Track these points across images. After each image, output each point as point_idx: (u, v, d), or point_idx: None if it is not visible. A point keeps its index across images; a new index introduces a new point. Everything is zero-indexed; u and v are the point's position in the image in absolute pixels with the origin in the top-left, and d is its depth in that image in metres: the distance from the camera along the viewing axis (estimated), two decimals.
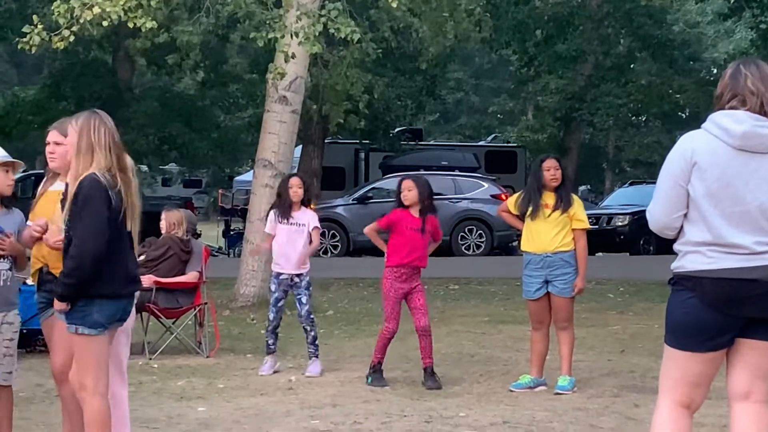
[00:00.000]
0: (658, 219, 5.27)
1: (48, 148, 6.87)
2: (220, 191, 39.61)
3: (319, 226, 11.13)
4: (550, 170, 9.85)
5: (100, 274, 6.09)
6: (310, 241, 11.01)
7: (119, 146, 6.27)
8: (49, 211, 6.65)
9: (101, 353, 6.24)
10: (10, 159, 7.07)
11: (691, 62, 42.45)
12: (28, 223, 6.81)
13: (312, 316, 10.94)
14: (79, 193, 6.08)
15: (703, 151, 5.11)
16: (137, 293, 6.60)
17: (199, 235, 14.69)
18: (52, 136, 6.86)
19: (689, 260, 5.14)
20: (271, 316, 11.01)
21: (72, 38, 14.85)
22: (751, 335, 5.19)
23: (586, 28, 33.64)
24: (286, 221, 10.92)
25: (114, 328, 6.36)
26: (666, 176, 5.21)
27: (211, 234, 33.62)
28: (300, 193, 10.97)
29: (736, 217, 5.09)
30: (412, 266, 10.21)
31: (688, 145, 5.17)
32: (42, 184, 7.01)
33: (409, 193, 10.21)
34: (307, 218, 11.02)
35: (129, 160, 6.34)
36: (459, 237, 28.22)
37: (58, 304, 6.22)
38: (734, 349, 5.24)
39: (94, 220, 6.05)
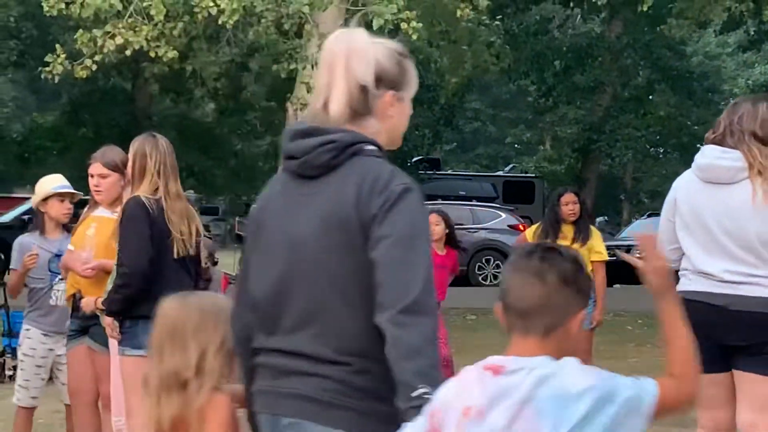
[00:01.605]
0: None
1: (92, 181, 6.81)
2: (237, 219, 39.64)
3: None
4: (569, 205, 9.83)
5: (144, 296, 6.10)
6: None
7: (170, 172, 6.27)
8: (83, 239, 6.69)
9: None
10: (66, 190, 7.27)
11: (710, 94, 42.42)
12: (69, 247, 6.83)
13: None
14: (124, 215, 6.13)
15: (681, 186, 5.52)
16: None
17: (216, 263, 14.68)
18: (96, 168, 6.79)
19: (679, 283, 5.41)
20: None
21: (94, 67, 14.97)
22: (736, 365, 5.35)
23: (605, 59, 33.65)
24: None
25: None
26: (662, 213, 5.65)
27: (228, 261, 33.55)
28: None
29: (710, 246, 5.34)
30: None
31: (675, 183, 5.59)
32: (86, 209, 7.05)
33: (436, 227, 10.07)
34: None
35: (177, 188, 6.33)
36: (476, 267, 28.18)
37: (109, 331, 6.25)
38: (735, 380, 5.38)
39: (137, 238, 6.07)
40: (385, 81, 3.32)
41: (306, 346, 3.17)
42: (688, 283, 5.38)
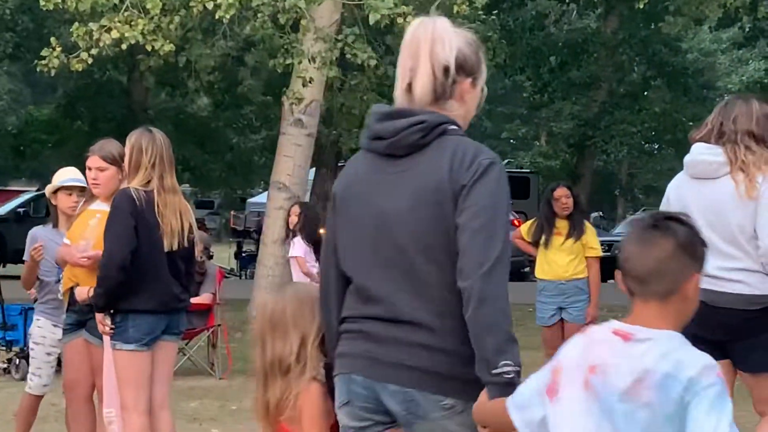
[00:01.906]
0: None
1: (90, 174, 6.81)
2: (232, 213, 39.65)
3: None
4: (561, 199, 9.90)
5: (132, 289, 6.11)
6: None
7: (166, 166, 6.29)
8: (83, 230, 6.72)
9: (140, 370, 6.25)
10: (72, 183, 7.30)
11: (705, 90, 42.42)
12: (65, 240, 6.86)
13: None
14: (111, 206, 6.17)
15: (673, 185, 5.67)
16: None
17: (211, 257, 14.72)
18: (94, 161, 6.78)
19: None
20: None
21: (90, 60, 14.97)
22: (733, 363, 5.50)
23: (600, 55, 33.65)
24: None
25: (168, 340, 6.41)
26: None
27: (223, 255, 33.62)
28: (296, 220, 11.14)
29: None
30: None
31: (670, 182, 5.75)
32: (82, 203, 7.08)
33: None
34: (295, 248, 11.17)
35: (172, 181, 6.35)
36: None
37: (100, 326, 6.28)
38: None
39: (119, 229, 6.10)
40: (465, 68, 3.57)
41: (406, 313, 3.41)
42: None
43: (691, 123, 37.00)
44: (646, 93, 38.19)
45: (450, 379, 3.40)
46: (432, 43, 3.52)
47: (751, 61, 45.80)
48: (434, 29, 3.55)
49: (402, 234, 3.45)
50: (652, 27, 33.08)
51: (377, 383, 3.46)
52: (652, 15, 30.08)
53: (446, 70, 3.51)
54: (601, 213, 57.21)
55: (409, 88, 3.54)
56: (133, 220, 6.10)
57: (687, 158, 5.60)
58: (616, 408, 2.99)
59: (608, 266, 21.40)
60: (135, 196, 6.12)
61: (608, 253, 28.54)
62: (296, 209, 11.37)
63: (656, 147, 49.17)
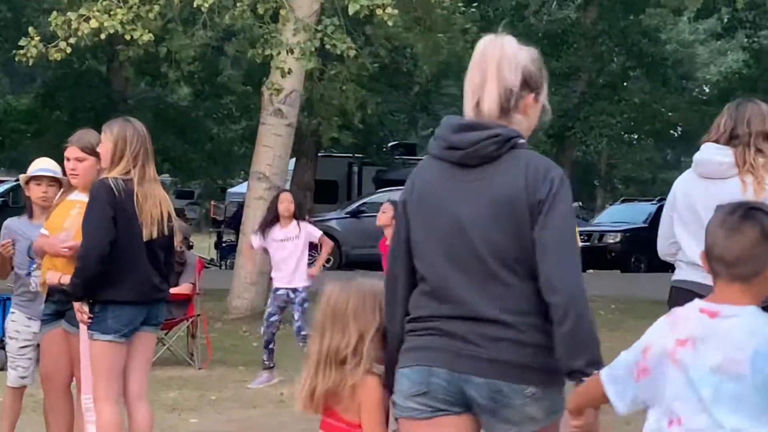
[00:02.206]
0: (658, 246, 5.93)
1: (68, 165, 6.78)
2: (212, 203, 39.58)
3: (322, 235, 11.28)
4: None
5: (111, 279, 6.11)
6: (312, 255, 11.14)
7: (148, 156, 6.29)
8: (62, 220, 6.70)
9: (115, 361, 6.24)
10: (41, 173, 7.28)
11: (684, 81, 42.54)
12: (42, 231, 6.84)
13: (303, 333, 10.87)
14: (89, 197, 6.16)
15: (680, 182, 5.78)
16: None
17: (191, 247, 14.71)
18: (72, 152, 6.75)
19: (674, 272, 5.75)
20: (262, 330, 11.07)
21: (69, 50, 14.92)
22: None
23: (580, 46, 33.70)
24: (278, 236, 10.98)
25: (147, 331, 6.41)
26: (664, 209, 5.91)
27: (203, 245, 33.59)
28: (291, 207, 11.04)
29: (701, 237, 5.47)
30: None
31: (676, 180, 5.87)
32: (60, 193, 7.05)
33: (383, 215, 10.38)
34: (302, 231, 11.08)
35: (152, 171, 6.35)
36: None
37: (78, 315, 6.28)
38: None
39: (97, 219, 6.09)
40: (529, 84, 3.90)
41: (488, 312, 3.70)
42: (681, 273, 5.69)
43: (670, 114, 37.17)
44: (625, 84, 38.27)
45: (531, 369, 3.69)
46: (499, 61, 3.83)
47: (729, 52, 45.98)
48: (502, 47, 3.88)
49: (479, 240, 3.73)
50: (632, 18, 33.15)
51: (461, 376, 3.73)
52: (632, 6, 30.16)
53: (512, 86, 3.83)
54: (580, 203, 57.34)
55: (478, 103, 3.83)
56: (111, 211, 6.09)
57: (697, 156, 5.71)
58: (704, 380, 3.25)
59: (588, 256, 21.40)
60: (113, 186, 6.11)
61: (587, 243, 28.71)
62: (290, 196, 11.29)
63: (635, 137, 49.28)
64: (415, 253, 3.87)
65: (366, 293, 4.25)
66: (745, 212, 3.37)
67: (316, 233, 11.19)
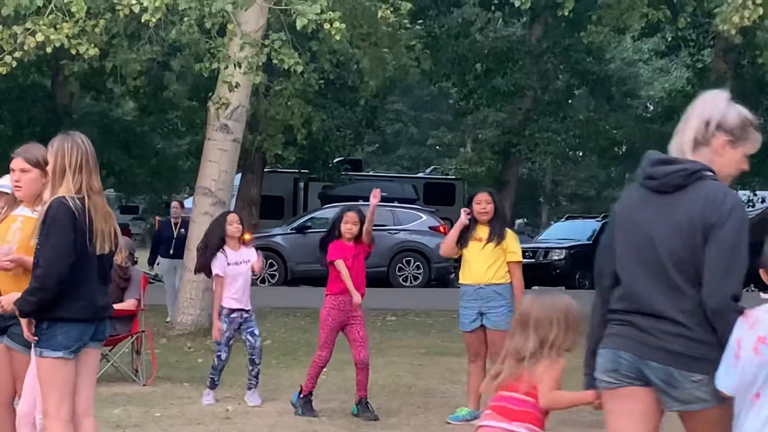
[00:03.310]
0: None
1: (13, 176, 6.76)
2: (157, 218, 39.42)
3: (261, 258, 11.25)
4: (481, 203, 9.99)
5: (63, 297, 6.07)
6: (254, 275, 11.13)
7: (92, 169, 6.25)
8: (4, 234, 6.64)
9: (65, 378, 6.20)
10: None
11: (628, 99, 42.90)
12: None
13: (254, 355, 10.93)
14: (47, 216, 6.10)
15: None
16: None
17: (136, 262, 14.64)
18: (17, 163, 6.73)
19: None
20: (224, 355, 10.93)
21: (14, 63, 14.82)
22: None
23: (525, 63, 33.88)
24: (231, 258, 10.95)
25: (92, 347, 6.37)
26: None
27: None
28: (241, 228, 11.02)
29: None
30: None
31: None
32: (4, 209, 6.99)
33: (354, 227, 10.33)
34: (251, 254, 11.07)
35: (98, 184, 6.31)
36: (397, 268, 28.31)
37: (26, 332, 6.21)
38: None
39: (59, 242, 6.05)
40: (724, 127, 4.76)
41: (666, 312, 4.63)
42: None
43: (614, 131, 37.47)
44: (570, 101, 38.53)
45: (699, 360, 4.57)
46: (703, 104, 4.81)
47: (673, 70, 46.42)
48: (712, 95, 4.86)
49: (664, 253, 4.67)
50: (576, 36, 33.39)
51: (641, 360, 4.69)
52: (576, 24, 30.34)
53: (707, 123, 4.74)
54: (525, 220, 57.63)
55: (678, 140, 4.80)
56: (72, 233, 6.06)
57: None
58: None
59: (533, 273, 21.46)
60: (73, 207, 6.08)
61: (532, 260, 28.83)
62: (236, 217, 11.24)
63: (580, 155, 49.68)
64: (617, 258, 4.85)
65: (550, 309, 5.36)
66: None
67: (255, 256, 11.16)
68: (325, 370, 10.60)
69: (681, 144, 4.79)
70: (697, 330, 4.59)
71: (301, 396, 10.30)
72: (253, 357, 10.91)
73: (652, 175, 4.82)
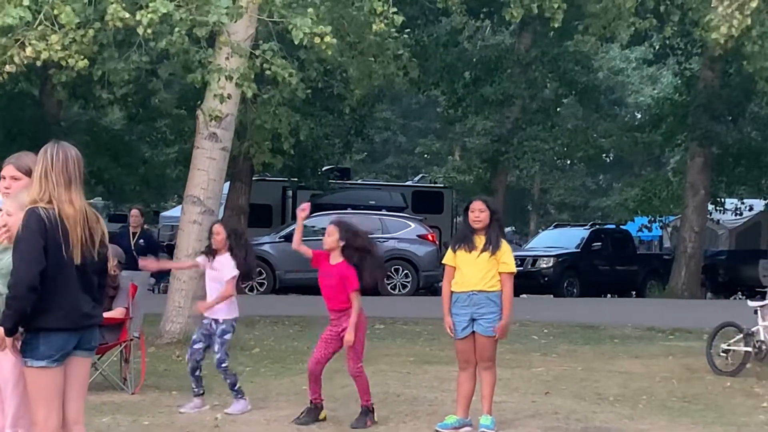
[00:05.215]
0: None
1: (3, 183, 6.83)
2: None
3: (235, 275, 10.96)
4: (474, 212, 9.99)
5: (42, 307, 6.08)
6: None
7: (72, 176, 6.25)
8: None
9: (52, 386, 6.21)
10: None
11: (616, 107, 43.00)
12: None
13: (224, 365, 10.80)
14: (21, 225, 6.13)
15: None
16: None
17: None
18: (8, 170, 6.81)
19: None
20: (186, 357, 11.03)
21: (5, 75, 14.84)
22: None
23: (514, 72, 33.98)
24: (210, 266, 10.99)
25: (82, 356, 6.37)
26: None
27: None
28: (219, 239, 10.94)
29: None
30: (333, 310, 10.38)
31: None
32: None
33: (328, 238, 10.36)
34: (225, 266, 10.93)
35: (78, 193, 6.31)
36: (385, 277, 28.33)
37: (10, 350, 6.22)
38: None
39: (27, 249, 6.07)
40: None
41: None
42: None
43: (602, 139, 37.57)
44: (558, 110, 38.63)
45: None
46: None
47: (661, 77, 46.51)
48: None
49: None
50: (565, 44, 33.49)
51: None
52: (564, 33, 30.44)
53: None
54: (513, 228, 57.69)
55: None
56: (42, 241, 6.08)
57: None
58: None
59: (521, 281, 21.52)
60: (44, 216, 6.10)
61: (521, 268, 28.89)
62: (220, 228, 11.15)
63: (568, 163, 49.73)
64: None
65: None
66: None
67: (230, 272, 10.93)
68: None
69: None
70: None
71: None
72: (220, 370, 10.92)
73: None
